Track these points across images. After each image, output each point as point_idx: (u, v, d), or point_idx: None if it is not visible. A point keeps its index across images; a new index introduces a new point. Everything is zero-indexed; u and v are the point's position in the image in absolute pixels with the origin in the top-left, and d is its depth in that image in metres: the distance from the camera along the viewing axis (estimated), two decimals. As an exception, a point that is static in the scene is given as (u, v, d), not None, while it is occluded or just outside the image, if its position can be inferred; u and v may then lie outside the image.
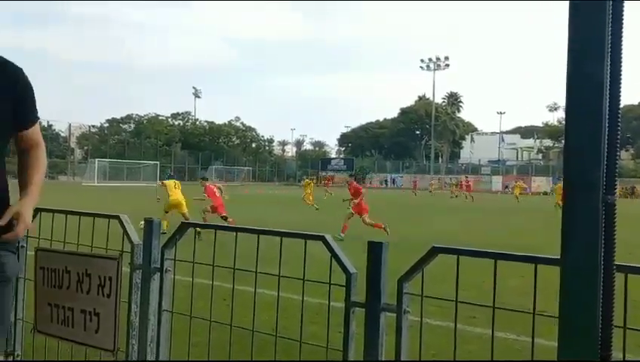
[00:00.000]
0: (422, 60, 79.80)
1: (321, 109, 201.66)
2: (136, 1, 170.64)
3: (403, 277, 1.80)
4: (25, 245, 2.90)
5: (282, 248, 2.05)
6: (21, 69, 2.00)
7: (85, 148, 69.24)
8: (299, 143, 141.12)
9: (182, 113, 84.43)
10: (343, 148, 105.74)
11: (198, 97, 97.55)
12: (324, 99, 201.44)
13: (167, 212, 12.84)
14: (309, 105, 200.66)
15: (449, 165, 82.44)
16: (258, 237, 2.10)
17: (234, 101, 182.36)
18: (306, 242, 2.01)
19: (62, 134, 67.77)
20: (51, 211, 2.77)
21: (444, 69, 79.65)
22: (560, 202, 23.51)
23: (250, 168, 73.09)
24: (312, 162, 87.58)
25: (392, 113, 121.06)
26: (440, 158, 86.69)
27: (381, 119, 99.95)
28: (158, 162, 60.90)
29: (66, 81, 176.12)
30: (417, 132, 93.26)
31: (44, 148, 2.13)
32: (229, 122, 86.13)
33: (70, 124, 68.41)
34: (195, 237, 2.31)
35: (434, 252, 1.75)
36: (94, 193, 33.32)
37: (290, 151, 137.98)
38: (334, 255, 1.92)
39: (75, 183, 53.39)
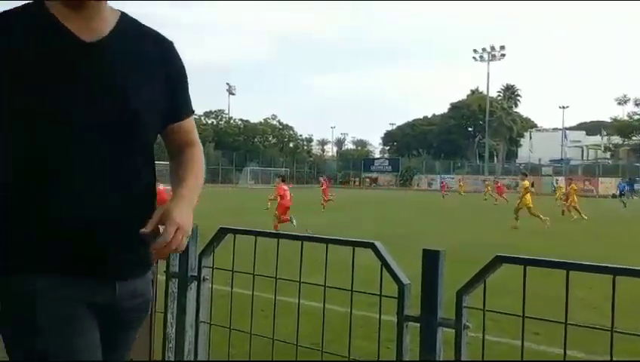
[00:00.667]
0: (475, 50, 78.62)
1: (364, 106, 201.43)
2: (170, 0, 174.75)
3: (463, 289, 1.76)
4: None
5: (326, 255, 2.04)
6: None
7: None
8: (339, 142, 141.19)
9: (215, 111, 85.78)
10: (388, 148, 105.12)
11: (232, 94, 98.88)
12: (366, 94, 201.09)
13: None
14: (351, 102, 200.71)
15: (505, 165, 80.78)
16: (302, 243, 2.10)
17: (270, 98, 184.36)
18: (354, 249, 1.99)
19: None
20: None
21: (499, 59, 78.18)
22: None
23: (288, 169, 73.54)
24: (353, 162, 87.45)
25: (442, 108, 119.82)
26: (495, 158, 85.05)
27: (429, 115, 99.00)
28: (190, 163, 62.05)
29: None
30: (470, 129, 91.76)
31: (202, 149, 1.83)
32: (265, 120, 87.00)
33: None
34: (233, 244, 2.33)
35: (497, 261, 1.70)
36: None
37: (331, 150, 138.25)
38: (385, 264, 1.90)
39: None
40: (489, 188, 41.98)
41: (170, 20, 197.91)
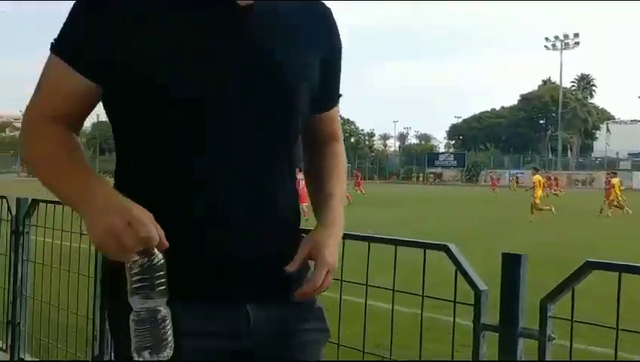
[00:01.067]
0: (546, 39, 76.00)
1: (428, 99, 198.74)
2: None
3: (548, 296, 1.64)
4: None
5: (397, 257, 1.95)
6: None
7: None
8: (402, 137, 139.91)
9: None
10: (453, 142, 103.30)
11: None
12: (430, 87, 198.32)
13: None
14: (414, 95, 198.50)
15: (580, 159, 77.65)
16: (369, 245, 2.02)
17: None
18: (425, 252, 1.89)
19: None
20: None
21: (572, 47, 75.18)
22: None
23: (349, 165, 73.52)
24: (417, 157, 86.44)
25: (511, 100, 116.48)
26: (569, 151, 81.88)
27: (497, 108, 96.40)
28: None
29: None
30: (541, 121, 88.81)
31: (344, 145, 1.54)
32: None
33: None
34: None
35: (587, 267, 1.56)
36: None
37: (393, 145, 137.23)
38: (460, 268, 1.79)
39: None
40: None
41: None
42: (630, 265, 1.56)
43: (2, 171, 58.90)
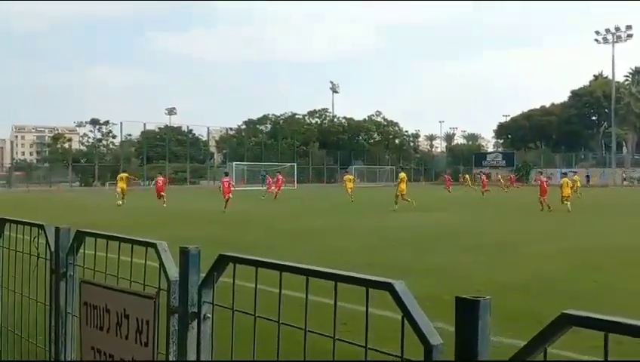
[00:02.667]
0: (597, 32, 72.98)
1: (475, 97, 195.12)
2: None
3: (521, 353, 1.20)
4: (73, 273, 2.74)
5: (335, 296, 1.55)
6: None
7: (224, 151, 74.11)
8: (449, 137, 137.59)
9: (319, 110, 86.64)
10: (502, 141, 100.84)
11: (336, 92, 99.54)
12: (477, 85, 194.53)
13: None
14: (460, 94, 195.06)
15: (635, 156, 74.24)
16: (307, 280, 1.63)
17: (374, 94, 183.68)
18: (367, 291, 1.49)
19: (202, 138, 73.28)
20: (93, 235, 2.56)
21: (625, 40, 72.00)
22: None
23: (394, 167, 72.54)
24: (464, 158, 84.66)
25: (561, 97, 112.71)
26: (624, 148, 78.47)
27: (547, 105, 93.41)
28: (295, 163, 63.13)
29: (206, 84, 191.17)
30: (593, 118, 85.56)
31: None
32: (369, 117, 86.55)
33: (209, 128, 73.76)
34: (233, 276, 1.88)
35: (565, 323, 1.11)
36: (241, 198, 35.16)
37: (439, 146, 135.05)
38: (407, 314, 1.37)
39: (214, 187, 57.30)
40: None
41: (270, 20, 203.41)
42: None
43: (56, 181, 60.86)
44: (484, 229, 16.22)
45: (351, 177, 35.33)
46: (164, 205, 25.93)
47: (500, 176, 57.12)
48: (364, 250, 11.71)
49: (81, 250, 2.70)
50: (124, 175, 29.14)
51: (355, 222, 18.49)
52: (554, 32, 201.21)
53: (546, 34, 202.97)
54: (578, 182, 30.25)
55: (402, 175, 26.28)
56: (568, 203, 23.69)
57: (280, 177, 38.94)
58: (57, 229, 2.74)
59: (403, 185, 25.20)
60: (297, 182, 57.38)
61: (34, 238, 2.97)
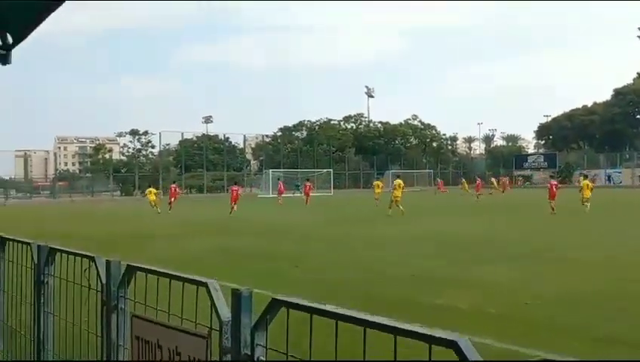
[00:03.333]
0: (640, 27, 70.83)
1: (514, 98, 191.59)
2: (307, 1, 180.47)
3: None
4: (124, 306, 2.76)
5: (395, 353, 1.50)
6: None
7: (260, 158, 74.69)
8: (487, 139, 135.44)
9: (354, 115, 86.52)
10: (543, 142, 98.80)
11: (372, 97, 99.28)
12: (516, 85, 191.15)
13: None
14: (499, 95, 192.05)
15: (684, 154, 71.71)
16: (364, 332, 1.59)
17: (410, 98, 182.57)
18: (430, 347, 1.43)
19: (238, 146, 74.05)
20: (144, 270, 2.58)
21: (672, 34, 69.62)
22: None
23: (432, 170, 71.85)
24: (504, 160, 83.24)
25: (604, 96, 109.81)
26: (671, 147, 75.89)
27: (589, 104, 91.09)
28: (331, 169, 63.14)
29: (242, 92, 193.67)
30: (638, 116, 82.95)
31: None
32: (406, 121, 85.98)
33: (245, 136, 74.48)
34: (287, 320, 1.85)
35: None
36: (269, 206, 35.42)
37: (478, 148, 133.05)
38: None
39: (251, 195, 57.85)
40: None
41: (304, 26, 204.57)
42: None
43: (98, 191, 62.36)
44: (513, 237, 15.81)
45: (379, 183, 36.89)
46: (231, 213, 27.01)
47: (498, 179, 57.19)
48: (401, 260, 11.56)
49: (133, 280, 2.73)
50: (152, 190, 32.99)
51: (382, 230, 18.32)
52: (594, 30, 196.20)
53: (587, 32, 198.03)
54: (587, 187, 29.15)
55: (398, 182, 27.24)
56: (588, 204, 24.58)
57: (308, 185, 41.06)
58: (108, 262, 2.77)
59: (398, 192, 26.24)
60: (334, 188, 57.33)
61: (85, 270, 3.01)
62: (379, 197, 32.32)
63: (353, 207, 34.25)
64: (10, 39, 4.27)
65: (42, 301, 3.54)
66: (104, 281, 2.79)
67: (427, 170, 72.93)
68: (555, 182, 27.87)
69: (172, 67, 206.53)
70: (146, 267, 2.52)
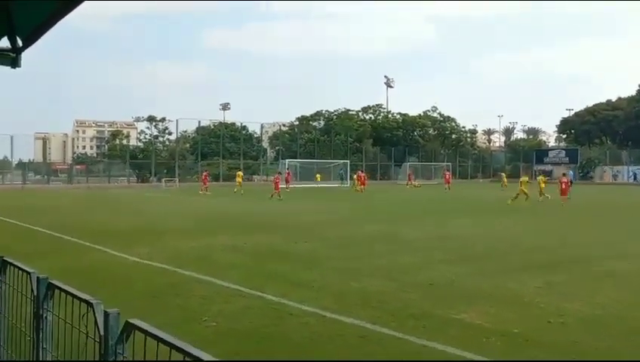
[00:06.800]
0: (670, 20, 69.09)
1: (536, 91, 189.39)
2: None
3: None
4: None
5: None
6: None
7: (277, 148, 74.52)
8: (508, 132, 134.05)
9: (373, 106, 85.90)
10: (565, 136, 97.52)
11: (391, 87, 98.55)
12: (539, 78, 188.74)
13: None
14: (521, 87, 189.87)
15: None
16: None
17: (430, 89, 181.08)
18: None
19: (255, 135, 73.90)
20: (143, 331, 2.34)
21: (702, 28, 67.85)
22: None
23: (450, 163, 71.17)
24: (524, 154, 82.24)
25: (629, 90, 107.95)
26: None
27: (613, 98, 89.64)
28: (348, 161, 62.79)
29: (260, 80, 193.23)
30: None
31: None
32: (425, 113, 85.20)
33: (262, 125, 74.27)
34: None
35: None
36: (286, 196, 35.29)
37: (498, 141, 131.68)
38: None
39: (267, 184, 57.74)
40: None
41: (324, 13, 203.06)
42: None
43: (115, 176, 62.71)
44: (532, 241, 15.34)
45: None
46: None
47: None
48: (422, 267, 11.24)
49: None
50: (240, 173, 44.14)
51: (399, 229, 17.99)
52: (618, 23, 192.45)
53: (610, 26, 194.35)
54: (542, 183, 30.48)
55: (361, 174, 36.93)
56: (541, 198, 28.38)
57: (362, 174, 45.59)
58: (107, 314, 2.54)
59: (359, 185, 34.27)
60: (350, 180, 57.02)
61: (82, 315, 2.79)
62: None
63: (379, 200, 33.94)
64: (20, 42, 4.09)
65: (41, 336, 3.34)
66: (102, 333, 2.56)
67: (446, 163, 72.24)
68: (566, 180, 28.20)
69: (192, 53, 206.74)
70: (144, 329, 2.27)
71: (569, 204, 28.31)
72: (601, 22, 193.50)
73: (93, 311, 2.68)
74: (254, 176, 68.53)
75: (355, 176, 48.00)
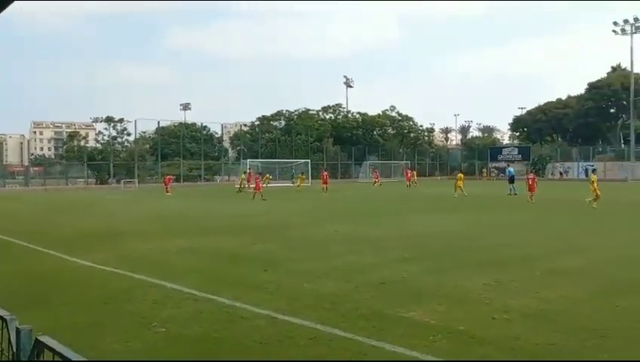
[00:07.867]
0: (615, 23, 71.39)
1: (490, 89, 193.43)
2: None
3: None
4: None
5: None
6: None
7: (238, 148, 73.95)
8: (464, 130, 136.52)
9: (333, 106, 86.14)
10: (517, 134, 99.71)
11: (350, 87, 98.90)
12: (492, 77, 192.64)
13: None
14: (475, 86, 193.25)
15: (656, 149, 72.80)
16: None
17: (389, 89, 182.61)
18: None
19: (216, 135, 73.14)
20: (52, 350, 2.25)
21: (644, 31, 70.39)
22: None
23: (409, 161, 71.94)
24: (479, 152, 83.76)
25: (578, 89, 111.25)
26: (643, 141, 76.95)
27: (563, 97, 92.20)
28: (309, 160, 62.78)
29: (220, 80, 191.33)
30: (611, 110, 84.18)
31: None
32: (384, 112, 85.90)
33: (223, 125, 73.57)
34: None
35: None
36: (247, 197, 35.00)
37: (455, 139, 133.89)
38: None
39: (229, 184, 57.25)
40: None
41: (286, 13, 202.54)
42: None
43: (73, 178, 61.16)
44: (490, 239, 15.66)
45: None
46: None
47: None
48: (377, 266, 11.29)
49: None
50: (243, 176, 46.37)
51: (359, 229, 18.08)
52: (569, 23, 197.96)
53: (561, 26, 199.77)
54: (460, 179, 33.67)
55: (324, 173, 43.03)
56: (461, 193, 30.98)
57: (325, 173, 46.11)
58: (18, 331, 2.45)
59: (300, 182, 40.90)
60: (311, 178, 56.99)
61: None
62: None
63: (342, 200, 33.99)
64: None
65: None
66: (14, 350, 2.47)
67: (404, 161, 73.00)
68: (533, 176, 29.42)
69: (151, 53, 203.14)
70: (54, 348, 2.18)
71: (522, 200, 28.98)
72: (552, 22, 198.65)
73: (7, 327, 2.57)
74: (216, 177, 67.93)
75: (298, 175, 52.14)
